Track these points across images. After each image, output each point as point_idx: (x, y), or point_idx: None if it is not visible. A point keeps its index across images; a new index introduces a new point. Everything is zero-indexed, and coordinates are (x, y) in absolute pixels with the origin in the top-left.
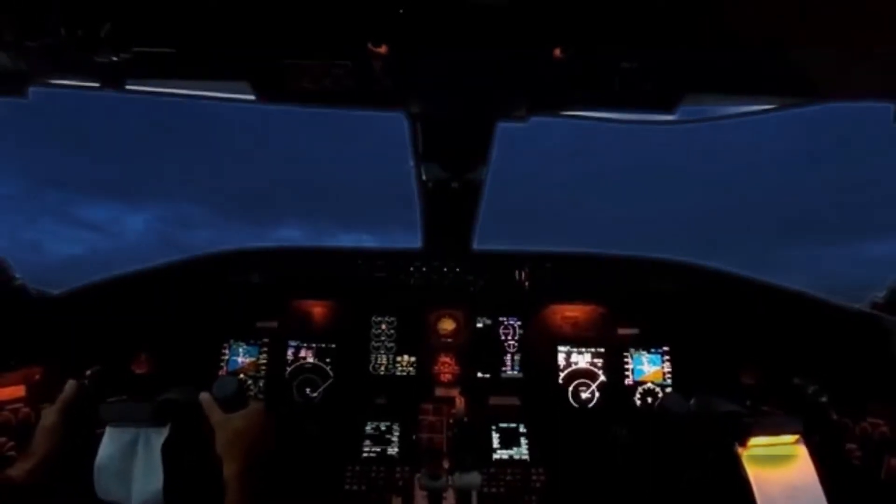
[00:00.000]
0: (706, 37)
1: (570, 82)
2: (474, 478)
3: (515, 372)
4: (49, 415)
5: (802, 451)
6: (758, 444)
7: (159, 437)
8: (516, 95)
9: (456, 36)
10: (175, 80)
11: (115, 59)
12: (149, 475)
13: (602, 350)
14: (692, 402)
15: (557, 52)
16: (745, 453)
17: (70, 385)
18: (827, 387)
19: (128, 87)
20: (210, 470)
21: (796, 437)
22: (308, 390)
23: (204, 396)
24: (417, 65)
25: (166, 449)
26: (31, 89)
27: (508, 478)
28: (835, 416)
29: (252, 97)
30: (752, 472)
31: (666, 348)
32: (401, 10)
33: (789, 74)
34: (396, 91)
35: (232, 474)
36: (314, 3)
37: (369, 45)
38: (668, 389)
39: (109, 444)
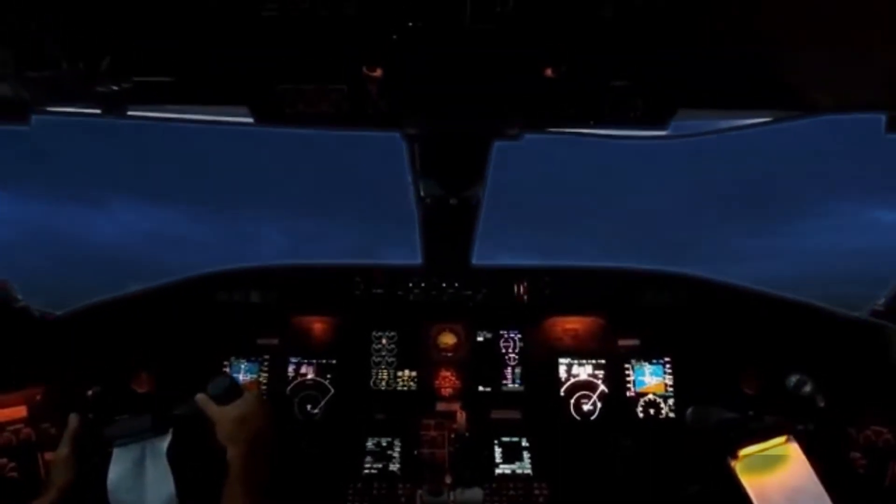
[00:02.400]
0: (696, 53)
1: (563, 101)
2: (476, 493)
3: (516, 385)
4: (60, 449)
5: (794, 449)
6: (749, 454)
7: (164, 444)
8: (510, 115)
9: (449, 59)
10: (176, 106)
11: (115, 88)
12: (160, 482)
13: (603, 362)
14: (688, 413)
15: (549, 72)
16: (738, 465)
17: (73, 418)
18: (828, 394)
19: (129, 113)
20: (217, 462)
21: (785, 437)
22: (309, 407)
23: (199, 396)
24: (412, 87)
25: (172, 453)
26: (33, 117)
27: (511, 493)
28: (822, 404)
29: (251, 120)
30: (749, 482)
31: (667, 359)
32: (394, 36)
33: (782, 88)
34: (392, 113)
35: (235, 456)
36: (310, 29)
37: (364, 69)
38: (671, 401)
39: (118, 464)
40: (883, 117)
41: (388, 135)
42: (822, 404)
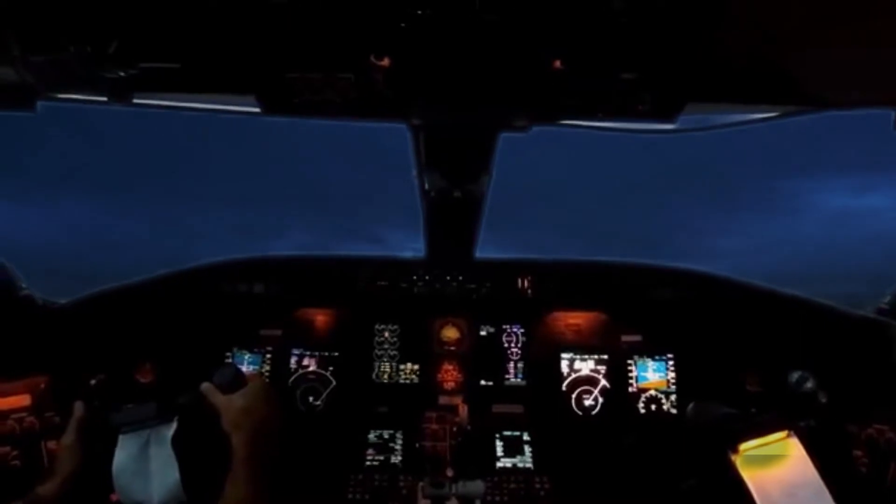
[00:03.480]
0: (706, 46)
1: (571, 93)
2: (478, 486)
3: (519, 379)
4: (66, 436)
5: (795, 444)
6: (749, 448)
7: (169, 432)
8: (517, 107)
9: (457, 48)
10: (182, 94)
11: (122, 74)
12: (166, 469)
13: (605, 357)
14: (689, 409)
15: (557, 63)
16: (738, 459)
17: (78, 405)
18: (831, 392)
19: (135, 101)
20: (221, 450)
21: (786, 432)
22: (311, 398)
23: (205, 385)
24: (419, 77)
25: (177, 440)
26: (40, 103)
27: (512, 486)
28: (823, 400)
29: (258, 110)
30: (749, 477)
31: (670, 355)
32: (402, 24)
33: (790, 83)
34: (398, 103)
35: (240, 444)
36: (317, 17)
37: (372, 58)
38: (673, 397)
39: (123, 450)
40: (891, 113)
41: (362, 128)
42: (823, 401)
